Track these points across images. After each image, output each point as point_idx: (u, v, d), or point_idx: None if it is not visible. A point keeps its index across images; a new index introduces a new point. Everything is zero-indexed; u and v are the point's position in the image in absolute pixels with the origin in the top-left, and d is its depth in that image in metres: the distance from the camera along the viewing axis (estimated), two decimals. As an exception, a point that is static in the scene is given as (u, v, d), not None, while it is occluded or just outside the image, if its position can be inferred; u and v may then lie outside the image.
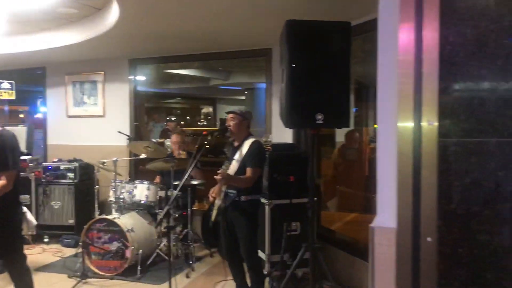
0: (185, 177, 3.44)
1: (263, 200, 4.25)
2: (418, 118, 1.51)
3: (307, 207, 3.40)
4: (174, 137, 5.57)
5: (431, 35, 1.48)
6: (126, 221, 4.78)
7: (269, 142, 4.99)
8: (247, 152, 3.72)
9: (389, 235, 1.57)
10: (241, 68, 9.36)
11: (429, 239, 1.51)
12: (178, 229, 5.21)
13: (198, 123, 10.78)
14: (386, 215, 1.61)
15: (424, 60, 1.50)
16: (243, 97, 11.02)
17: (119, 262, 4.66)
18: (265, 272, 4.27)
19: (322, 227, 5.07)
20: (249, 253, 3.80)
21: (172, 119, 10.07)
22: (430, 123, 1.49)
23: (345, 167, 5.66)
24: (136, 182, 5.08)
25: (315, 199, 4.37)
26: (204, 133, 3.64)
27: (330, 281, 3.46)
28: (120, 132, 5.73)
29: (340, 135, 5.60)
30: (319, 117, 3.15)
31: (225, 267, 4.25)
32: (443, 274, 1.50)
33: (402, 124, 1.53)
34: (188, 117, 15.90)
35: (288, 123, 3.22)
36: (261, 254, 4.36)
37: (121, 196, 4.96)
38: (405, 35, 1.52)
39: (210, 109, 9.69)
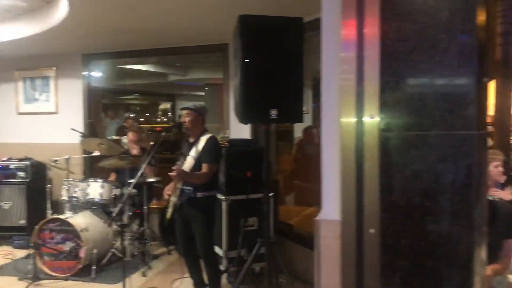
0: (138, 175, 3.38)
1: (220, 196, 4.23)
2: (360, 112, 1.54)
3: (262, 202, 3.41)
4: (130, 135, 5.47)
5: (372, 31, 1.51)
6: (80, 220, 4.65)
7: (227, 138, 4.97)
8: (203, 148, 3.69)
9: (334, 228, 1.60)
10: (200, 64, 9.27)
11: (372, 230, 1.54)
12: (135, 227, 5.13)
13: (157, 119, 10.64)
14: (331, 208, 1.64)
15: (365, 56, 1.53)
16: (203, 93, 10.94)
17: (73, 262, 4.53)
18: (222, 268, 4.27)
19: (280, 222, 5.10)
20: (206, 249, 3.77)
21: (131, 115, 9.90)
22: (372, 117, 1.52)
23: (303, 162, 5.72)
24: (90, 180, 4.94)
25: (272, 194, 4.42)
26: (158, 129, 3.59)
27: (285, 275, 3.49)
28: (73, 129, 5.56)
29: (298, 130, 5.65)
30: (273, 112, 3.16)
31: (183, 264, 4.22)
32: (385, 265, 1.54)
33: (345, 118, 1.56)
34: (147, 114, 15.63)
35: (242, 118, 3.21)
36: (218, 250, 4.35)
37: (74, 195, 4.82)
38: (347, 32, 1.55)
39: (168, 105, 9.58)
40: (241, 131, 5.10)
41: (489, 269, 2.80)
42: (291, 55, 3.18)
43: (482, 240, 1.57)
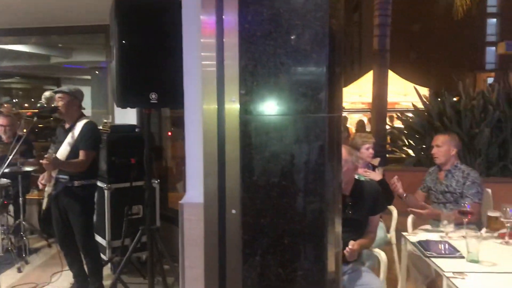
0: (6, 164, 3.12)
1: (101, 184, 4.07)
2: (221, 96, 1.55)
3: (143, 189, 3.35)
4: (1, 120, 5.02)
5: (231, 15, 1.53)
6: None
7: (109, 124, 4.76)
8: (79, 134, 3.50)
9: (197, 210, 1.61)
10: (84, 46, 8.74)
11: (233, 211, 1.57)
12: (10, 220, 4.75)
13: (38, 105, 9.91)
14: (195, 191, 1.65)
15: (225, 41, 1.54)
16: (89, 77, 10.37)
17: None
18: (106, 258, 4.13)
19: (169, 209, 5.04)
20: (85, 240, 3.61)
21: (14, 100, 9.09)
22: (232, 101, 1.55)
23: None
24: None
25: (157, 181, 4.35)
26: (29, 114, 3.34)
27: (169, 262, 3.47)
28: None
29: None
30: (153, 96, 3.10)
31: (63, 257, 4.00)
32: (247, 243, 1.58)
33: (207, 103, 1.56)
34: (32, 99, 14.46)
35: (119, 102, 3.11)
36: (101, 240, 4.20)
37: None
38: (207, 17, 1.55)
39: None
40: (126, 116, 4.91)
41: (357, 244, 3.02)
42: (171, 38, 3.12)
43: (337, 216, 1.68)
